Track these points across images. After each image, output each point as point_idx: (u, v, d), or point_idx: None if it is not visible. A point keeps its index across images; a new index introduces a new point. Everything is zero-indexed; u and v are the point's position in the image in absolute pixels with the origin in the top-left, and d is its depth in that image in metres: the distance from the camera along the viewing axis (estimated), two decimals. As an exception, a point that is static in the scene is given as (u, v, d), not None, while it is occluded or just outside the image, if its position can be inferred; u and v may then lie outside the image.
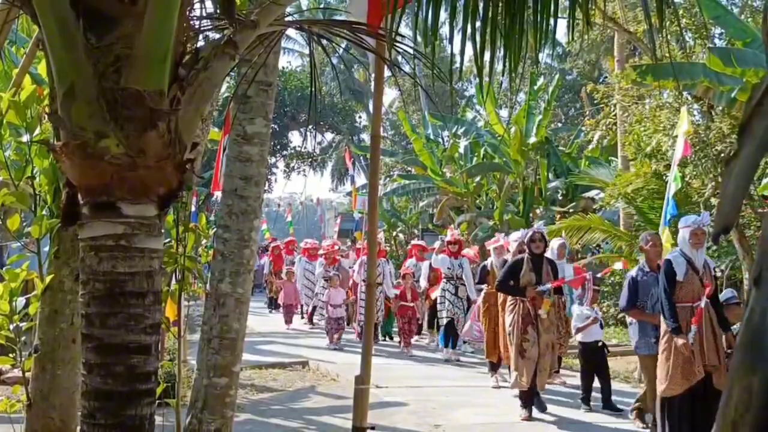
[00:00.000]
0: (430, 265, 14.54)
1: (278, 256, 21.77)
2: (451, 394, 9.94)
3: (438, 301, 13.13)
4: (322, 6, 32.79)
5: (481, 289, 11.43)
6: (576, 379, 10.09)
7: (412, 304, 14.14)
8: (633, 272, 8.08)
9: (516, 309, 8.70)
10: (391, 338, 15.47)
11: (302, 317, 19.03)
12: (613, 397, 9.11)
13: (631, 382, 10.89)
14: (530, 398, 8.64)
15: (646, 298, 7.76)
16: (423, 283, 14.78)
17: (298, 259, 19.16)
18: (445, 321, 12.85)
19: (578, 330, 9.43)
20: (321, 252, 17.53)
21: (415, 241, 16.66)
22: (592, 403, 9.07)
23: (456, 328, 12.71)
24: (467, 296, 12.90)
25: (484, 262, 12.30)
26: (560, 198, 21.16)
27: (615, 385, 9.62)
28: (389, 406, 9.07)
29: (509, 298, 9.02)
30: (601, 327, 9.71)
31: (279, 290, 19.59)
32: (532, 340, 8.52)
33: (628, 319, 8.98)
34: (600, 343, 9.40)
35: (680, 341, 6.79)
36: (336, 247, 17.81)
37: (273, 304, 21.31)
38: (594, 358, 9.28)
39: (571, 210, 19.35)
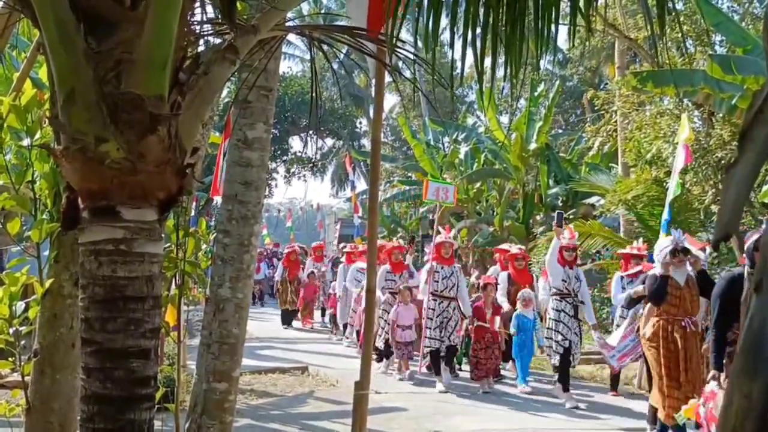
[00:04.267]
0: (509, 275, 11.93)
1: (294, 263, 19.52)
2: (449, 401, 9.93)
3: (549, 325, 10.26)
4: (322, 11, 32.83)
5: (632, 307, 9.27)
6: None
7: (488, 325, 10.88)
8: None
9: None
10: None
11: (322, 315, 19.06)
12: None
13: (632, 388, 10.89)
14: None
15: None
16: (501, 299, 11.49)
17: (342, 269, 15.60)
18: (561, 350, 9.88)
19: None
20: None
21: (503, 246, 13.94)
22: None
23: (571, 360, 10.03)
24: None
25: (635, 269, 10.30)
26: (560, 204, 21.16)
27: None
28: (388, 411, 9.06)
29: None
30: None
31: (293, 301, 18.59)
32: None
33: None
34: None
35: None
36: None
37: (286, 318, 18.82)
38: None
39: (571, 216, 19.35)
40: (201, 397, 4.29)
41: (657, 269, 7.61)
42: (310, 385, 11.07)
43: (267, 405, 9.52)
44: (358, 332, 13.37)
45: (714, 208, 12.61)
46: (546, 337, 10.34)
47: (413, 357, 11.67)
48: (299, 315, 18.77)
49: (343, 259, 16.43)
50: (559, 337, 9.86)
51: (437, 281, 10.99)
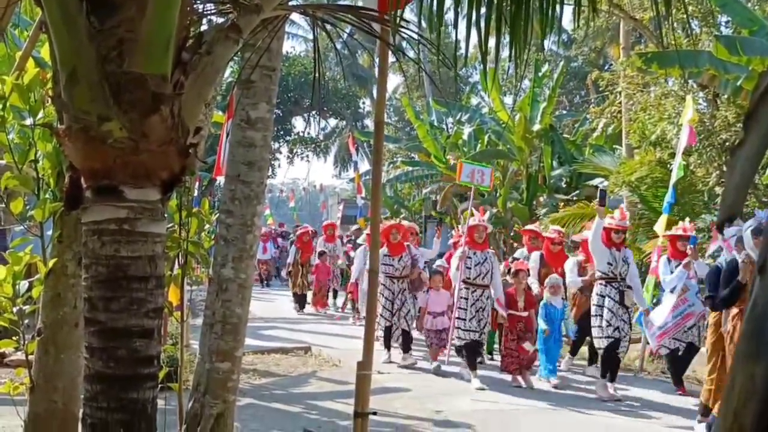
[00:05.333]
0: (541, 256, 11.32)
1: (307, 244, 18.63)
2: (453, 381, 9.96)
3: (593, 311, 9.48)
4: (326, -9, 32.61)
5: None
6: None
7: (525, 314, 10.09)
8: None
9: None
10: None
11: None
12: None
13: (633, 371, 10.91)
14: None
15: None
16: (532, 281, 10.80)
17: (362, 251, 13.87)
18: (605, 343, 9.23)
19: None
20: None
21: (530, 226, 12.94)
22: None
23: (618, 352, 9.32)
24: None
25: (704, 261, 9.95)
26: (564, 186, 21.13)
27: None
28: (391, 391, 9.09)
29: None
30: None
31: (304, 284, 17.89)
32: None
33: None
34: None
35: None
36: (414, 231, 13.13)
37: (300, 302, 18.11)
38: None
39: (574, 198, 19.33)
40: (204, 377, 4.31)
41: (737, 255, 7.16)
42: (313, 365, 11.11)
43: (270, 385, 9.55)
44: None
45: (718, 189, 12.58)
46: (591, 326, 9.49)
47: (446, 345, 10.77)
48: (312, 298, 17.98)
49: (361, 240, 15.09)
50: (604, 324, 9.14)
51: (469, 268, 10.11)
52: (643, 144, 14.48)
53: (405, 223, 12.76)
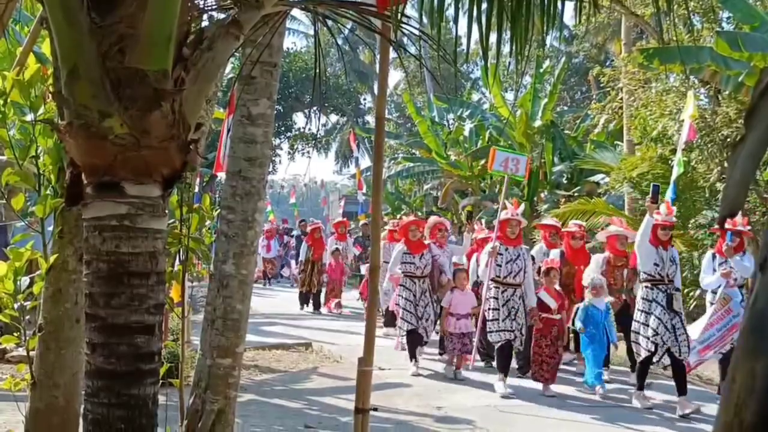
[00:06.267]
0: (562, 253, 10.45)
1: (319, 241, 17.59)
2: (455, 377, 9.96)
3: (635, 316, 8.75)
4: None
5: None
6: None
7: (558, 316, 9.27)
8: None
9: None
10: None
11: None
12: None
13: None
14: None
15: None
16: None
17: (385, 246, 12.94)
18: (645, 354, 8.49)
19: None
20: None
21: (547, 221, 12.22)
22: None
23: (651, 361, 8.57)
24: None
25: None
26: (565, 182, 21.12)
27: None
28: (392, 387, 9.11)
29: None
30: None
31: (314, 283, 17.10)
32: None
33: None
34: None
35: None
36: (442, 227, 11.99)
37: (311, 301, 17.34)
38: None
39: (575, 194, 19.32)
40: (205, 373, 4.31)
41: None
42: (314, 361, 11.12)
43: (271, 381, 9.57)
44: (393, 314, 11.89)
45: (719, 185, 12.58)
46: (633, 331, 8.73)
47: (470, 351, 9.96)
48: (325, 298, 17.38)
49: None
50: (650, 333, 8.38)
51: (500, 265, 9.39)
52: (644, 140, 14.49)
53: (432, 218, 12.12)
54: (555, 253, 10.49)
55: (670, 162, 12.75)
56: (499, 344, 9.25)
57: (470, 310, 9.95)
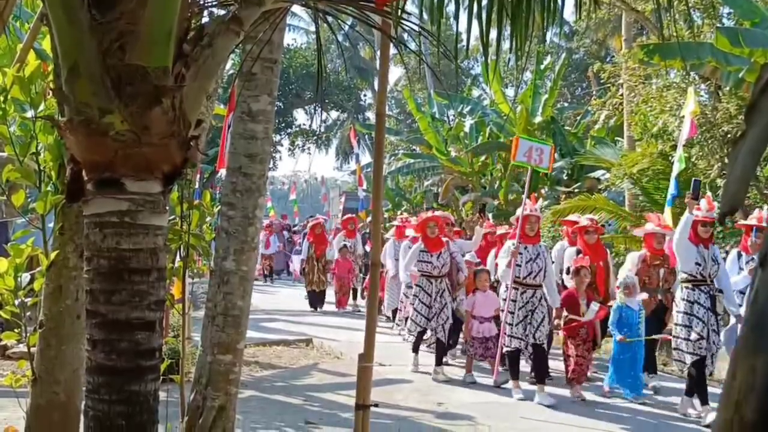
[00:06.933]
0: (578, 251, 9.83)
1: (320, 236, 17.39)
2: (455, 373, 9.96)
3: (676, 319, 8.21)
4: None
5: None
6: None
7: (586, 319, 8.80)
8: None
9: None
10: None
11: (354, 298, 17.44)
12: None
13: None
14: None
15: None
16: (565, 277, 9.78)
17: (391, 245, 13.50)
18: (691, 359, 7.89)
19: None
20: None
21: (571, 217, 11.64)
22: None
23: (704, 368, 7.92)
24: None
25: None
26: (565, 178, 21.11)
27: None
28: (393, 383, 9.11)
29: None
30: None
31: (320, 281, 16.76)
32: None
33: None
34: None
35: None
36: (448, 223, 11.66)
37: (315, 300, 16.96)
38: None
39: (576, 190, 19.31)
40: (206, 369, 4.32)
41: None
42: (315, 357, 11.13)
43: (271, 377, 9.57)
44: (406, 318, 11.07)
45: (720, 182, 12.57)
46: (674, 336, 8.19)
47: (493, 356, 9.36)
48: (334, 297, 17.10)
49: (389, 235, 14.06)
50: (694, 336, 7.82)
51: (519, 265, 8.84)
52: (644, 136, 14.48)
53: (439, 212, 11.75)
54: (571, 252, 9.99)
55: (670, 158, 12.73)
56: (508, 350, 8.94)
57: (494, 312, 9.50)
